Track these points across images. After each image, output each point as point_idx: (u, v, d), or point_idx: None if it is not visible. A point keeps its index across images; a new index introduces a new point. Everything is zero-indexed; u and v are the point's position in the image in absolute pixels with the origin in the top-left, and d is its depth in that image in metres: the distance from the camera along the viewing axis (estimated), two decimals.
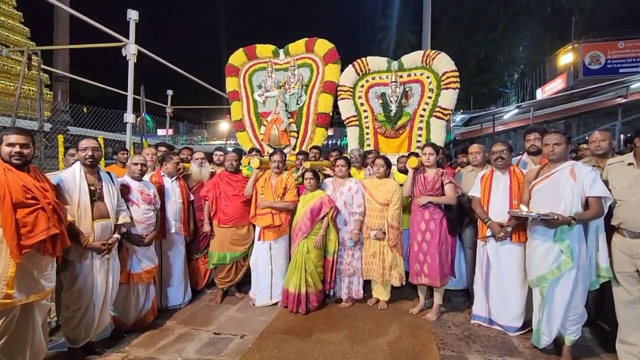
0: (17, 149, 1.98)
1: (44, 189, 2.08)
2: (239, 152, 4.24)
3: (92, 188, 2.45)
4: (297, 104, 5.37)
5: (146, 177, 3.12)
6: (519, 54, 22.00)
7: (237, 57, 5.74)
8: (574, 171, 2.34)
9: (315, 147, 4.70)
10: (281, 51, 5.59)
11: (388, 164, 3.43)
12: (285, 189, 3.43)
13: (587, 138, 3.19)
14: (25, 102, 7.22)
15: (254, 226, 3.57)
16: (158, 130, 17.06)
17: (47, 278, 2.08)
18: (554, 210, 2.27)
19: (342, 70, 5.23)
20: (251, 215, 3.48)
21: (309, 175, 3.42)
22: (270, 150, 5.18)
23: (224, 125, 22.75)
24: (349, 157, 4.00)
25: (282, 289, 3.35)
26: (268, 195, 3.40)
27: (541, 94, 16.94)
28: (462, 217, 3.31)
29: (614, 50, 14.58)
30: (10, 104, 6.95)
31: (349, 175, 3.62)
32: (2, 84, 7.73)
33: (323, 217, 3.31)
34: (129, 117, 5.29)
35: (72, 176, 2.40)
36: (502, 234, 2.73)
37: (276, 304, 3.36)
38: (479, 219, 2.95)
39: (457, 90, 4.75)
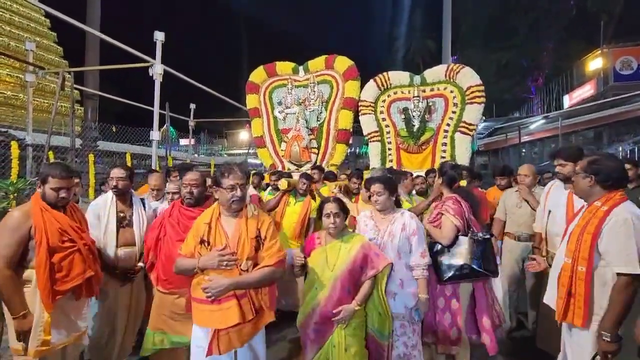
0: (62, 194, 1.94)
1: (80, 229, 2.04)
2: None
3: (122, 214, 2.48)
4: (317, 120, 5.37)
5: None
6: (542, 59, 21.37)
7: (258, 75, 5.82)
8: None
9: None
10: (301, 68, 5.63)
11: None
12: (259, 240, 1.78)
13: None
14: (57, 118, 7.60)
15: None
16: (180, 140, 17.51)
17: (83, 318, 2.09)
18: None
19: (362, 87, 5.21)
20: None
21: (331, 208, 1.99)
22: (292, 167, 5.20)
23: (243, 135, 23.11)
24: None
25: None
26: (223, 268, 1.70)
27: (569, 100, 16.31)
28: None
29: None
30: (43, 120, 7.34)
31: (399, 205, 2.32)
32: (37, 101, 8.18)
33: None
34: (155, 134, 5.45)
35: (104, 203, 2.46)
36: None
37: None
38: None
39: (483, 104, 4.63)
